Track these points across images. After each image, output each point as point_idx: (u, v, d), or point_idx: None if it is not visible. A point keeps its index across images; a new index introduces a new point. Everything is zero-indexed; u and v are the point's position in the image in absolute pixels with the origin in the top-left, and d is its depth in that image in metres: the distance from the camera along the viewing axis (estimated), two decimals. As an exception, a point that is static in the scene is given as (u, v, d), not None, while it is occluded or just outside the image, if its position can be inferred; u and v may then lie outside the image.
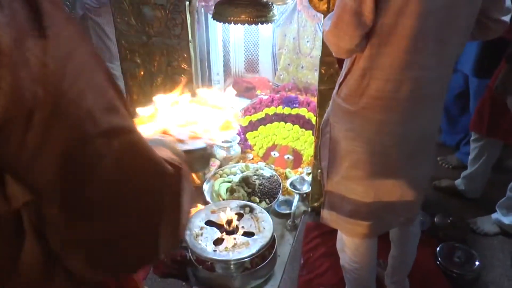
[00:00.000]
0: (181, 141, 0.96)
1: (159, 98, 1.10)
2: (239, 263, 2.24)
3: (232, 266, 2.26)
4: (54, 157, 0.49)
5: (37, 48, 0.45)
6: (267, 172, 3.08)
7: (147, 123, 1.05)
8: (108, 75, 0.58)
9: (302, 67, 4.29)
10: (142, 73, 2.67)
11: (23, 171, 0.49)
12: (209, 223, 2.37)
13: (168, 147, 0.84)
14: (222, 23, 2.41)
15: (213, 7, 2.49)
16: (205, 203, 2.77)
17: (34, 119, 0.45)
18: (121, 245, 0.64)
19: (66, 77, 0.48)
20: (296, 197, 2.79)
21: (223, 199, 2.78)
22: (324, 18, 2.08)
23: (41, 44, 0.45)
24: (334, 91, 1.62)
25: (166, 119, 1.04)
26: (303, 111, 3.81)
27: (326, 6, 2.07)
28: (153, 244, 0.69)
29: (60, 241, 0.58)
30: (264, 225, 2.34)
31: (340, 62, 1.65)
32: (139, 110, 1.08)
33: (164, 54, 2.55)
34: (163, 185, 0.68)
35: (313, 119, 3.45)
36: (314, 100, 3.73)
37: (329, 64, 2.22)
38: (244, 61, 4.73)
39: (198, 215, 2.41)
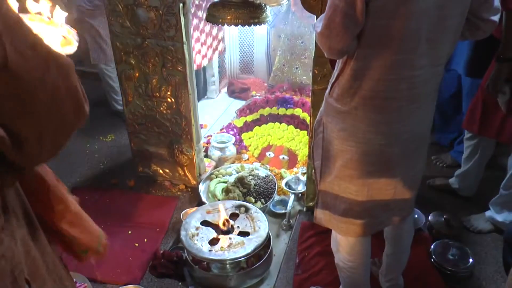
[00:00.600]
0: None
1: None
2: (235, 263, 2.26)
3: (228, 265, 2.28)
4: None
5: None
6: (262, 172, 3.09)
7: None
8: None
9: (296, 68, 4.31)
10: (137, 74, 2.69)
11: None
12: (205, 223, 2.38)
13: None
14: (215, 24, 2.42)
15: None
16: (201, 203, 2.78)
17: None
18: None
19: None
20: (291, 197, 2.81)
21: (219, 200, 2.79)
22: (316, 18, 2.10)
23: None
24: (327, 92, 1.63)
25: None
26: (297, 112, 3.83)
27: (318, 6, 2.09)
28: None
29: None
30: (260, 225, 2.35)
31: (333, 62, 1.66)
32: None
33: (158, 56, 2.56)
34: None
35: (308, 119, 3.46)
36: (308, 100, 3.75)
37: (323, 65, 2.24)
38: (239, 62, 4.75)
39: (193, 216, 2.42)
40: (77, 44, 1.09)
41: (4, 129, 0.73)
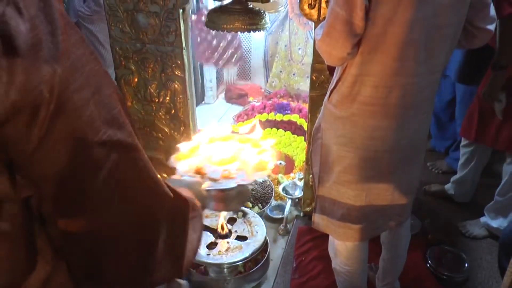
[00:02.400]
0: (214, 180, 0.99)
1: (198, 135, 1.15)
2: (232, 267, 2.27)
3: (225, 269, 2.28)
4: (53, 155, 0.54)
5: (49, 56, 0.50)
6: (259, 177, 3.10)
7: (184, 159, 1.09)
8: (117, 94, 0.63)
9: (293, 74, 4.33)
10: (136, 80, 2.70)
11: (26, 164, 0.53)
12: (203, 227, 2.39)
13: (190, 188, 0.89)
14: (215, 30, 2.44)
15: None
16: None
17: (40, 116, 0.50)
18: (108, 258, 0.67)
19: (72, 84, 0.53)
20: (289, 202, 2.82)
21: (216, 204, 2.80)
22: (315, 26, 2.13)
23: (53, 53, 0.51)
24: (325, 98, 1.65)
25: (203, 156, 1.08)
26: (295, 118, 3.84)
27: (316, 14, 2.11)
28: (144, 262, 0.71)
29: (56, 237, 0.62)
30: (257, 229, 2.36)
31: (331, 69, 1.68)
32: (180, 145, 1.12)
33: (158, 61, 2.58)
34: (158, 204, 0.70)
35: (305, 125, 3.48)
36: (305, 106, 3.77)
37: (320, 71, 2.26)
38: (237, 68, 4.78)
39: (191, 220, 2.42)
40: (270, 171, 1.07)
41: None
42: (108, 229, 0.64)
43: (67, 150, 0.54)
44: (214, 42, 4.27)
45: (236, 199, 1.03)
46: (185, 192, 0.82)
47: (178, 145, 1.12)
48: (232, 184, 0.98)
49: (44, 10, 0.51)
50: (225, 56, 4.33)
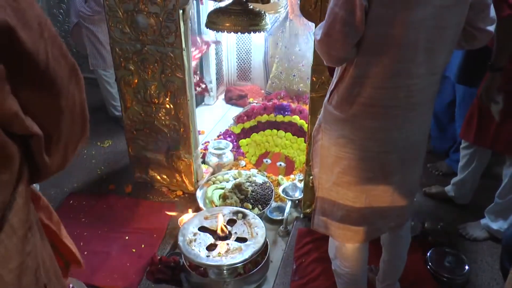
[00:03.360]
0: None
1: None
2: (232, 269, 2.27)
3: (225, 271, 2.28)
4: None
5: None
6: (259, 179, 3.11)
7: None
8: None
9: (294, 75, 4.33)
10: (136, 80, 2.70)
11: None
12: (202, 229, 2.39)
13: None
14: (215, 31, 2.43)
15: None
16: (198, 209, 2.79)
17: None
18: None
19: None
20: (289, 204, 2.82)
21: (216, 206, 2.80)
22: (315, 26, 2.12)
23: None
24: (325, 99, 1.65)
25: None
26: (295, 119, 3.84)
27: (317, 14, 2.11)
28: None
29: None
30: (257, 231, 2.36)
31: (331, 70, 1.68)
32: None
33: (158, 62, 2.58)
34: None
35: (305, 127, 3.48)
36: (306, 107, 3.77)
37: (321, 72, 2.26)
38: (237, 69, 4.78)
39: (191, 221, 2.42)
40: None
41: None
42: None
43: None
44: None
45: None
46: None
47: None
48: None
49: None
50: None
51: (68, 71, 0.83)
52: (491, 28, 1.51)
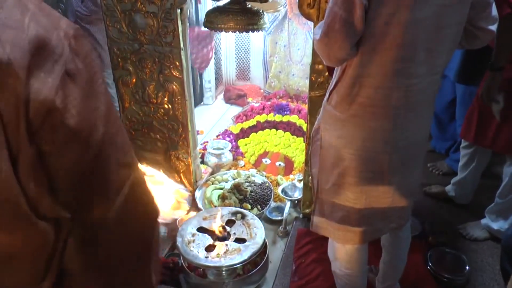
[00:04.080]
0: None
1: None
2: (231, 269, 2.25)
3: (224, 272, 2.27)
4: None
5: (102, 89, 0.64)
6: (258, 179, 3.09)
7: None
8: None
9: (293, 75, 4.32)
10: (134, 80, 2.68)
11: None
12: (201, 229, 2.37)
13: None
14: (213, 30, 2.42)
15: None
16: (197, 210, 2.78)
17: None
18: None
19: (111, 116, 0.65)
20: (288, 204, 2.80)
21: (215, 206, 2.79)
22: (314, 26, 2.11)
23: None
24: (325, 99, 1.64)
25: None
26: (294, 118, 3.83)
27: (316, 14, 2.10)
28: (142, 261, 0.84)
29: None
30: (256, 232, 2.34)
31: (330, 70, 1.66)
32: None
33: (156, 62, 2.56)
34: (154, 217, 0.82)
35: (304, 126, 3.47)
36: (305, 107, 3.76)
37: (320, 72, 2.24)
38: (236, 68, 4.77)
39: (190, 222, 2.41)
40: (188, 208, 1.12)
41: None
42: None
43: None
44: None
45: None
46: None
47: None
48: None
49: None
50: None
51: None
52: (493, 27, 1.50)
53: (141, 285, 0.85)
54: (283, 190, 2.91)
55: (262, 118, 3.92)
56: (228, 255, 2.20)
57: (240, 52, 4.66)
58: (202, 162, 3.31)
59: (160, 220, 1.02)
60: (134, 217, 0.74)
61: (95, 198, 0.66)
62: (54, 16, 0.58)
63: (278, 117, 3.89)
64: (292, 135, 3.76)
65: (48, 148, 0.55)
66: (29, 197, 0.55)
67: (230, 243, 2.29)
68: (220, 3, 2.41)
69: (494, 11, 1.48)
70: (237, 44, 4.61)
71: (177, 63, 2.53)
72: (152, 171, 1.15)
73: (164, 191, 1.12)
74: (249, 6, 2.40)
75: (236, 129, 3.81)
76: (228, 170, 3.28)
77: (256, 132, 3.82)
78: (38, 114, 0.52)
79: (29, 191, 0.55)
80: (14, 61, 0.49)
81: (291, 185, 2.97)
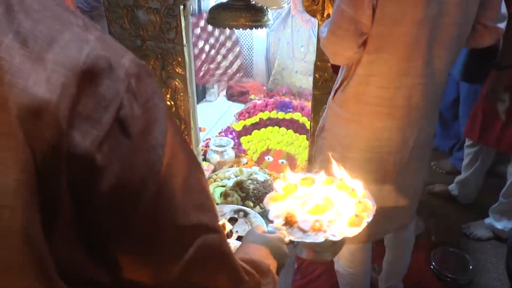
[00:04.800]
0: (303, 230, 0.99)
1: (291, 174, 1.16)
2: (233, 268, 2.24)
3: (226, 271, 2.25)
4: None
5: (156, 142, 0.53)
6: (261, 176, 3.07)
7: (279, 200, 1.08)
8: (204, 177, 0.65)
9: (296, 72, 4.30)
10: (136, 77, 2.66)
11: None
12: (203, 227, 2.36)
13: (268, 245, 0.91)
14: (216, 27, 2.40)
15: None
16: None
17: (143, 198, 0.51)
18: None
19: (170, 170, 0.54)
20: (290, 202, 2.78)
21: (217, 204, 2.77)
22: (318, 22, 2.09)
23: (160, 141, 0.53)
24: (330, 97, 1.62)
25: (297, 200, 1.07)
26: (297, 116, 3.81)
27: (320, 10, 2.08)
28: None
29: None
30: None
31: (335, 68, 1.65)
32: (276, 184, 1.14)
33: (158, 59, 2.54)
34: None
35: (307, 124, 3.45)
36: (308, 104, 3.74)
37: (324, 69, 2.22)
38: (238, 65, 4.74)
39: (192, 220, 2.39)
40: (363, 227, 1.02)
41: None
42: None
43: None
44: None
45: (329, 250, 1.02)
46: (262, 251, 0.86)
47: (275, 184, 1.15)
48: (320, 238, 0.96)
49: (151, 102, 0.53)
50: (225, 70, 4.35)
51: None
52: (502, 25, 1.47)
53: None
54: (285, 188, 2.89)
55: (264, 115, 3.90)
56: (230, 254, 2.19)
57: (243, 49, 4.64)
58: (204, 159, 3.30)
59: (330, 236, 0.96)
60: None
61: (144, 261, 0.57)
62: (115, 49, 0.50)
63: (281, 114, 3.87)
64: (295, 132, 3.73)
65: (87, 207, 0.48)
66: (60, 258, 0.48)
67: (233, 241, 2.27)
68: (224, 0, 2.39)
69: (504, 9, 1.46)
70: (240, 41, 4.59)
71: (180, 60, 2.51)
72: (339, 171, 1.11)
73: (347, 201, 1.06)
74: (253, 2, 2.38)
75: (238, 126, 3.79)
76: (231, 167, 3.26)
77: (258, 129, 3.80)
78: (76, 170, 0.44)
79: (61, 252, 0.48)
80: (55, 105, 0.42)
81: (294, 183, 2.95)
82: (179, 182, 0.56)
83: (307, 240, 0.96)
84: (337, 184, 1.11)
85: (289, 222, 1.00)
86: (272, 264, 0.88)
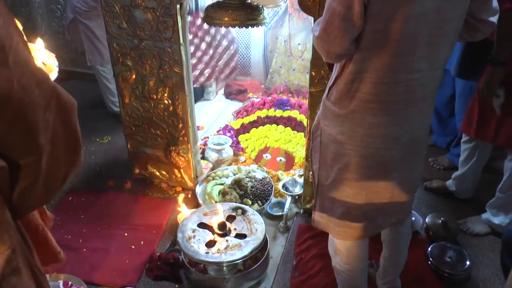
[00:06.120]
0: None
1: None
2: (232, 265, 2.25)
3: (224, 268, 2.27)
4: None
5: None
6: (259, 174, 3.09)
7: None
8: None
9: (293, 70, 4.31)
10: (134, 76, 2.67)
11: None
12: (202, 225, 2.37)
13: None
14: (213, 26, 2.41)
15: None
16: (198, 205, 2.78)
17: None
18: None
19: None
20: (288, 199, 2.80)
21: (216, 202, 2.78)
22: (314, 20, 2.10)
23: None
24: (324, 95, 1.63)
25: None
26: (294, 113, 3.83)
27: (316, 8, 2.09)
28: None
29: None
30: (257, 227, 2.34)
31: (331, 65, 1.65)
32: None
33: (155, 57, 2.56)
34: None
35: (305, 121, 3.46)
36: (305, 102, 3.75)
37: (320, 67, 2.23)
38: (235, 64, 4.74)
39: (190, 218, 2.41)
40: (57, 69, 1.07)
41: (6, 162, 0.71)
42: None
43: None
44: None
45: None
46: None
47: None
48: None
49: None
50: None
51: (45, 100, 0.74)
52: (494, 19, 1.49)
53: None
54: (283, 186, 2.91)
55: (262, 113, 3.91)
56: (229, 251, 2.20)
57: (240, 47, 4.64)
58: (203, 157, 3.31)
59: None
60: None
61: None
62: None
63: (278, 112, 3.88)
64: (292, 130, 3.75)
65: None
66: None
67: (231, 239, 2.29)
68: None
69: (495, 3, 1.47)
70: (237, 39, 4.59)
71: (177, 59, 2.52)
72: None
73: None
74: (249, 1, 2.40)
75: (236, 125, 3.80)
76: (229, 165, 3.28)
77: (256, 127, 3.81)
78: None
79: None
80: None
81: (292, 180, 2.97)
82: (22, 56, 0.67)
83: None
84: None
85: None
86: None
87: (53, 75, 1.04)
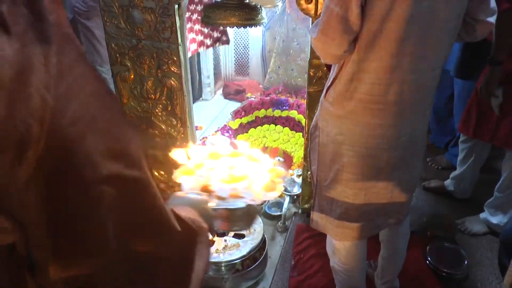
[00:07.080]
0: (221, 198, 0.94)
1: (200, 148, 1.09)
2: (230, 265, 2.25)
3: (223, 268, 2.26)
4: (42, 195, 0.46)
5: (41, 84, 0.43)
6: (257, 174, 3.08)
7: (189, 174, 1.04)
8: (123, 115, 0.57)
9: (292, 70, 4.31)
10: (132, 76, 2.67)
11: (13, 206, 0.46)
12: (200, 225, 2.37)
13: (196, 207, 0.85)
14: (211, 26, 2.41)
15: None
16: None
17: (27, 155, 0.43)
18: None
19: (66, 114, 0.45)
20: (287, 199, 2.80)
21: (214, 202, 2.78)
22: (312, 21, 2.10)
23: (44, 80, 0.43)
24: (322, 95, 1.63)
25: (209, 172, 1.02)
26: (293, 113, 3.83)
27: (314, 9, 2.09)
28: None
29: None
30: (255, 227, 2.34)
31: (329, 66, 1.66)
32: (173, 153, 1.07)
33: (154, 58, 2.55)
34: (163, 242, 0.65)
35: (303, 121, 3.46)
36: (304, 102, 3.75)
37: (318, 67, 2.23)
38: (234, 64, 4.76)
39: (189, 218, 2.40)
40: (281, 192, 1.00)
41: None
42: (106, 271, 0.57)
43: (57, 191, 0.47)
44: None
45: (243, 219, 0.98)
46: (190, 213, 0.78)
47: (171, 153, 1.08)
48: (241, 203, 0.93)
49: (34, 25, 0.43)
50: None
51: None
52: (492, 19, 1.49)
53: None
54: (282, 186, 2.90)
55: (261, 113, 3.91)
56: (227, 251, 2.20)
57: (239, 48, 4.65)
58: (201, 157, 3.30)
59: (250, 201, 0.93)
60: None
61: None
62: None
63: (277, 112, 3.88)
64: (291, 130, 3.75)
65: None
66: None
67: (229, 239, 2.29)
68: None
69: (493, 3, 1.48)
70: (236, 39, 4.60)
71: (175, 59, 2.51)
72: (246, 146, 1.09)
73: (259, 170, 1.04)
74: (247, 1, 2.39)
75: (235, 125, 3.80)
76: (227, 165, 3.27)
77: (255, 127, 3.81)
78: None
79: None
80: None
81: (290, 180, 2.97)
82: (81, 129, 0.47)
83: (228, 206, 0.93)
84: (246, 156, 1.08)
85: (205, 192, 0.97)
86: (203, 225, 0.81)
87: (275, 195, 1.02)
